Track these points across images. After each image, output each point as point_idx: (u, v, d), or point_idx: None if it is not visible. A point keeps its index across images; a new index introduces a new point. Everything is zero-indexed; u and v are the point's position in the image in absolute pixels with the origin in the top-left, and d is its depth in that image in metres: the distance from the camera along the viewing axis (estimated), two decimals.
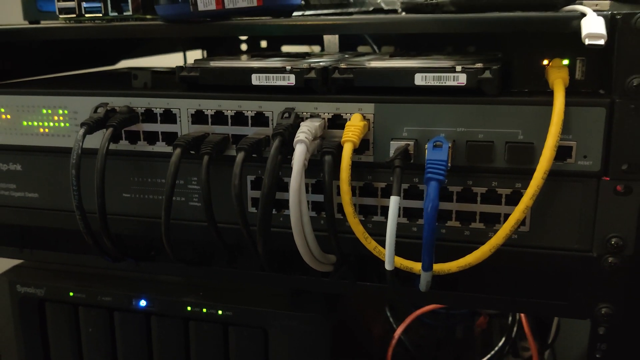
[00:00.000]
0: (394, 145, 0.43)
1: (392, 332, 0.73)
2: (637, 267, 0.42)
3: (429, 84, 0.42)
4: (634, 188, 0.41)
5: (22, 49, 0.61)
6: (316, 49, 0.87)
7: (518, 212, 0.39)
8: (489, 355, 0.72)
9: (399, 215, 0.45)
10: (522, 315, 0.70)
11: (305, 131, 0.42)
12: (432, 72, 0.42)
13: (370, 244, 0.42)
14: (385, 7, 0.65)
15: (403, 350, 0.73)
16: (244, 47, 0.92)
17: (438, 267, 0.41)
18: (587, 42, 0.36)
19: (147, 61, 0.84)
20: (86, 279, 0.57)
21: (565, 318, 0.55)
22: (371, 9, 0.64)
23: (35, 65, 0.63)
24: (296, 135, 0.42)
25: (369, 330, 0.69)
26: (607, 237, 0.42)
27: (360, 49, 0.80)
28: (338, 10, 0.59)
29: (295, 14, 0.53)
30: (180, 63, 0.94)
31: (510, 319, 0.74)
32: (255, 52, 0.88)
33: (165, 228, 0.45)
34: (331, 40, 0.84)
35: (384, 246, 0.42)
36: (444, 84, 0.42)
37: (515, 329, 0.73)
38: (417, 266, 0.42)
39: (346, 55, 0.53)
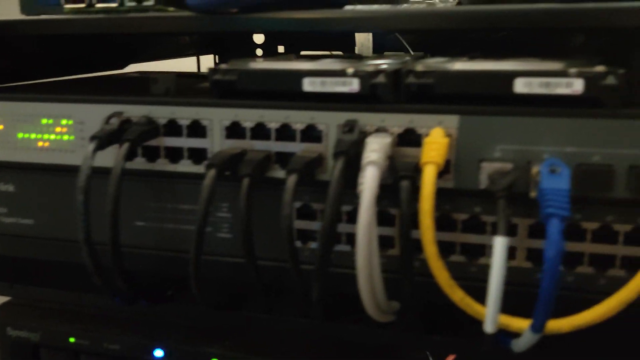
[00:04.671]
0: (487, 169, 0.34)
1: None
2: None
3: (534, 91, 0.33)
4: None
5: (19, 48, 0.52)
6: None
7: None
8: None
9: (484, 254, 0.37)
10: None
11: (377, 149, 0.33)
12: (539, 77, 0.33)
13: (456, 294, 0.33)
14: None
15: None
16: (259, 52, 0.83)
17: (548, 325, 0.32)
18: None
19: (157, 65, 0.75)
20: (90, 321, 0.48)
21: None
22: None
23: (34, 67, 0.54)
24: (366, 155, 0.33)
25: None
26: None
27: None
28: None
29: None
30: (193, 69, 0.87)
31: None
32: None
33: (195, 266, 0.36)
34: (364, 43, 0.76)
35: (472, 294, 0.33)
36: (553, 92, 0.33)
37: None
38: (516, 323, 0.33)
39: (407, 58, 0.44)
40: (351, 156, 0.33)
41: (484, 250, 0.37)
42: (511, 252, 0.36)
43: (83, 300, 0.47)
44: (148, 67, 0.72)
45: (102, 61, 0.64)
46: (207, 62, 0.87)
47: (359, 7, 0.41)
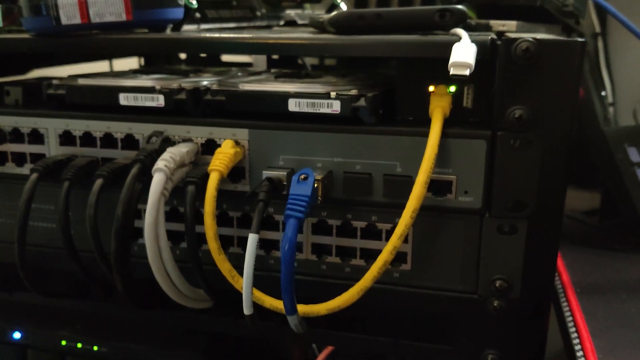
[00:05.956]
0: (267, 175, 0.39)
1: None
2: (526, 312, 0.39)
3: (303, 110, 0.39)
4: (519, 227, 0.38)
5: None
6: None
7: (386, 254, 0.36)
8: None
9: (274, 248, 0.42)
10: None
11: (167, 158, 0.38)
12: (306, 98, 0.39)
13: (238, 283, 0.39)
14: (300, 22, 0.62)
15: None
16: (183, 55, 0.88)
17: (307, 308, 0.38)
18: (452, 71, 0.33)
19: (69, 70, 0.79)
20: None
21: None
22: (282, 23, 0.61)
23: None
24: (156, 163, 0.38)
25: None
26: (492, 279, 0.39)
27: None
28: (244, 24, 0.56)
29: (188, 27, 0.50)
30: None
31: None
32: (152, 67, 0.82)
33: (20, 261, 0.42)
34: (258, 56, 0.80)
35: (258, 286, 0.39)
36: (318, 111, 0.39)
37: None
38: (276, 304, 0.39)
39: (240, 74, 0.50)
40: (147, 164, 0.39)
41: (278, 244, 0.42)
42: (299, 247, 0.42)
43: None
44: (55, 73, 0.77)
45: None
46: (132, 64, 0.91)
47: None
